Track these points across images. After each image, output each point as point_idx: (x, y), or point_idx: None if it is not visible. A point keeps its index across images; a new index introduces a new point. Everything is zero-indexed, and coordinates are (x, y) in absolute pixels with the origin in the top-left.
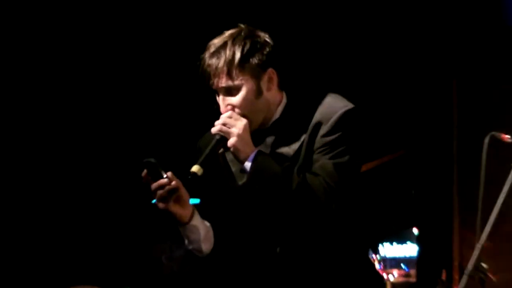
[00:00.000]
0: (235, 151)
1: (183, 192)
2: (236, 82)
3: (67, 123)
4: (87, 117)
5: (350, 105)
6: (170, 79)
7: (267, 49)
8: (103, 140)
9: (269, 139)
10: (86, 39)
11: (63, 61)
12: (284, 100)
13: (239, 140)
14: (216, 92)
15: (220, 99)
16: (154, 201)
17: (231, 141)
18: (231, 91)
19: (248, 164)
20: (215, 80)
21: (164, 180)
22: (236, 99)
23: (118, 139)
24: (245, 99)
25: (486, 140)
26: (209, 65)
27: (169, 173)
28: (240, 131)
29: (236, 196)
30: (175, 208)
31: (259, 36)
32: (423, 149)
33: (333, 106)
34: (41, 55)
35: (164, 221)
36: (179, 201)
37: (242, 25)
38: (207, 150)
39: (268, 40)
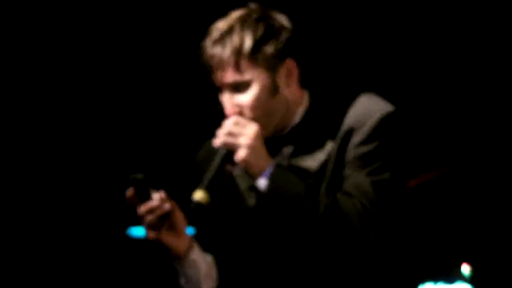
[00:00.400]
0: (246, 166)
1: (179, 217)
2: (246, 77)
3: (60, 125)
4: (78, 120)
5: (390, 107)
6: (164, 73)
7: (285, 35)
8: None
9: (287, 149)
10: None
11: (59, 65)
12: (307, 100)
13: (249, 153)
14: (219, 89)
15: (225, 98)
16: (136, 230)
17: (240, 155)
18: (239, 88)
19: (262, 182)
20: (219, 74)
21: (154, 203)
22: (245, 98)
23: (103, 143)
24: (256, 98)
25: None
26: (211, 56)
27: (161, 193)
28: (251, 141)
29: (245, 222)
30: (168, 238)
31: (274, 19)
32: (476, 163)
33: (369, 108)
34: (35, 58)
35: (153, 255)
36: (173, 229)
37: (252, 5)
38: (211, 170)
39: (286, 23)
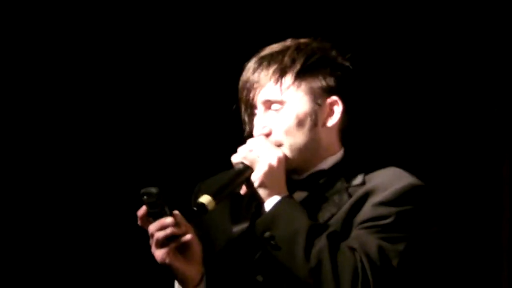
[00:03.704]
0: (260, 187)
1: (195, 243)
2: (284, 95)
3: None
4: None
5: (421, 182)
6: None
7: (341, 76)
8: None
9: (300, 194)
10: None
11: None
12: (340, 154)
13: (268, 173)
14: (250, 111)
15: (256, 117)
16: None
17: (257, 173)
18: (274, 108)
19: (267, 206)
20: (255, 92)
21: (169, 219)
22: (277, 119)
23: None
24: (288, 121)
25: None
26: (255, 69)
27: (176, 212)
28: (273, 162)
29: (238, 246)
30: (179, 264)
31: (334, 55)
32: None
33: (396, 176)
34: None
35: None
36: (187, 254)
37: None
38: (225, 180)
39: (346, 63)
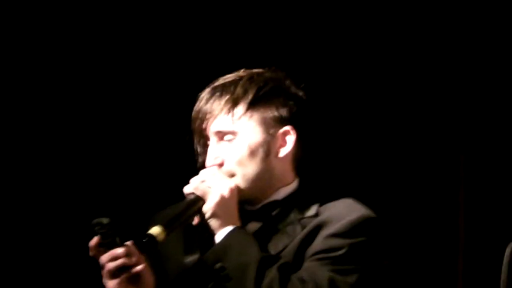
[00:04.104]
0: (212, 217)
1: (147, 273)
2: (236, 126)
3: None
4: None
5: (372, 214)
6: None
7: (294, 106)
8: None
9: (253, 225)
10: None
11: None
12: (295, 184)
13: (220, 204)
14: (203, 142)
15: (209, 148)
16: None
17: (209, 203)
18: (226, 138)
19: (218, 238)
20: (207, 122)
21: (120, 250)
22: (229, 149)
23: None
24: (242, 151)
25: (508, 250)
26: (207, 100)
27: (128, 243)
28: (225, 193)
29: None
30: None
31: (288, 85)
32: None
33: (350, 207)
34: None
35: None
36: (138, 285)
37: (272, 69)
38: (176, 212)
39: (300, 94)
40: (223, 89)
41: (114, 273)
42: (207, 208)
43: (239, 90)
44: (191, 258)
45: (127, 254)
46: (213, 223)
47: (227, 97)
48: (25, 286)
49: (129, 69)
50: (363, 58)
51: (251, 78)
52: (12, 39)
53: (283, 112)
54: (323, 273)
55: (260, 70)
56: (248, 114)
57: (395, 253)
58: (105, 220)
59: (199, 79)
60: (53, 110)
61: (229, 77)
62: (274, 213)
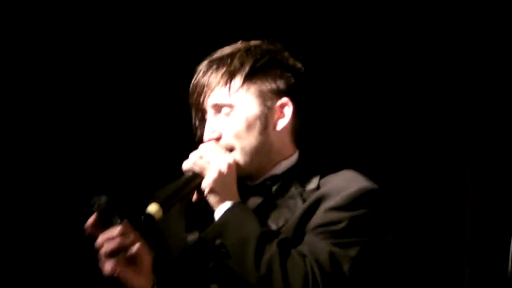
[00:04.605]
0: (210, 193)
1: (144, 253)
2: (233, 99)
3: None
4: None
5: (373, 185)
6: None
7: (292, 78)
8: None
9: (254, 200)
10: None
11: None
12: (295, 158)
13: (218, 180)
14: (201, 116)
15: (207, 122)
16: None
17: (207, 180)
18: (222, 111)
19: (218, 214)
20: (204, 96)
21: (117, 230)
22: (226, 122)
23: None
24: (238, 125)
25: None
26: (205, 73)
27: (125, 222)
28: (222, 168)
29: (186, 251)
30: (128, 275)
31: (285, 57)
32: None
33: (350, 180)
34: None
35: None
36: (136, 264)
37: (268, 40)
38: (173, 189)
39: (297, 65)
40: (220, 62)
41: (110, 254)
42: (205, 184)
43: (235, 62)
44: (194, 235)
45: (123, 234)
46: (211, 199)
47: (224, 69)
48: (22, 273)
49: (124, 44)
50: (377, 31)
51: (248, 50)
52: (12, 39)
53: (280, 84)
54: (323, 247)
55: (257, 42)
56: (245, 86)
57: (400, 227)
58: (103, 199)
59: (197, 51)
60: (48, 92)
61: (226, 50)
62: (274, 187)
